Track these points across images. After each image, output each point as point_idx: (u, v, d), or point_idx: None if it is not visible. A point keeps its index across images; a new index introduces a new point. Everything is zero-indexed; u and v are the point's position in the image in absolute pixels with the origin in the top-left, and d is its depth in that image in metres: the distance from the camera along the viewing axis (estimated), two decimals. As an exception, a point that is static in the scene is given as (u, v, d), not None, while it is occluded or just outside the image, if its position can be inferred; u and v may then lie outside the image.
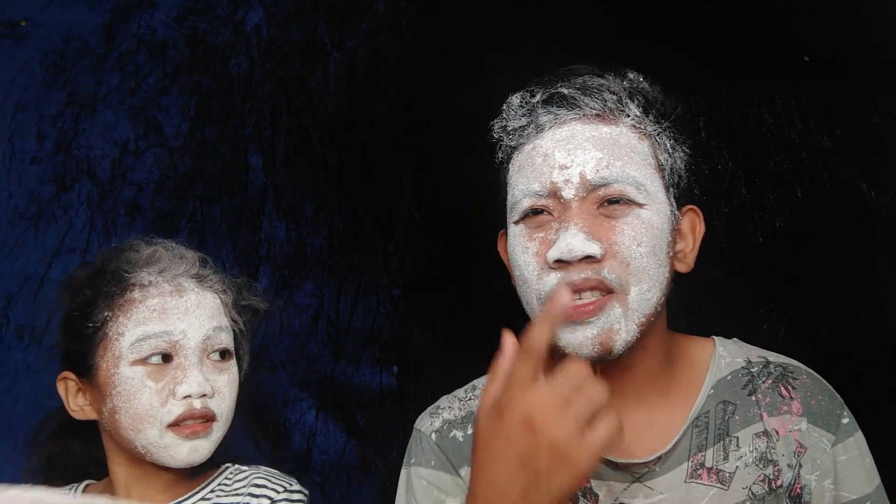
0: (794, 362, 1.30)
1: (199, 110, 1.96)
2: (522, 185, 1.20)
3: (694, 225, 1.27)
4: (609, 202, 1.15)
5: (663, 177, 1.21)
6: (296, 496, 1.38)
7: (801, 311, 1.79)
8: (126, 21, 1.94)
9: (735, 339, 1.34)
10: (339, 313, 1.93)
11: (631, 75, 1.25)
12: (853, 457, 1.22)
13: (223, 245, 1.93)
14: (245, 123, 1.98)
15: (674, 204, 1.21)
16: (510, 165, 1.26)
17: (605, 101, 1.19)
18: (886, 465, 1.25)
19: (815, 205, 1.80)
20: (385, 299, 1.95)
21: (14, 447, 1.73)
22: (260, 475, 1.38)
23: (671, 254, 1.19)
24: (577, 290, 1.13)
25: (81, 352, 1.31)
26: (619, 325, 1.13)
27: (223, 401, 1.32)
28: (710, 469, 1.19)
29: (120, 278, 1.32)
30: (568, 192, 1.15)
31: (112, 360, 1.28)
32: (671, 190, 1.21)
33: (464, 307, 1.93)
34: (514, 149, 1.25)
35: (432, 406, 1.37)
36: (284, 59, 2.01)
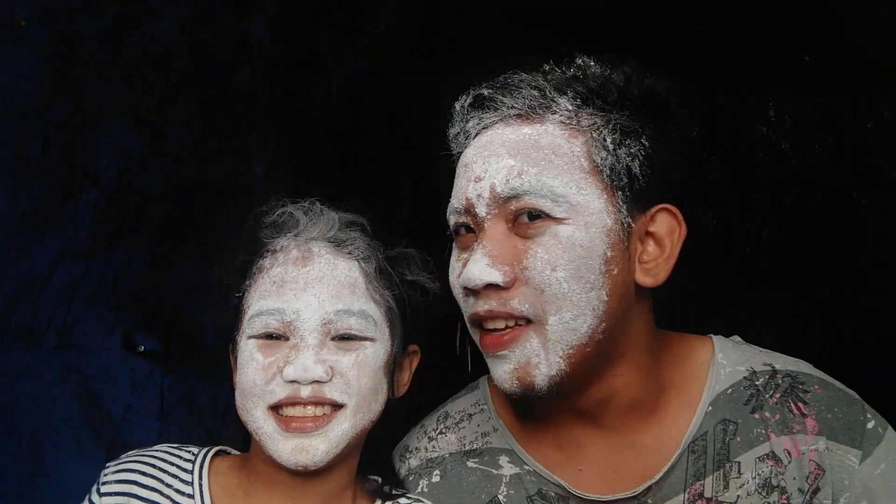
0: (804, 368, 1.14)
1: (204, 120, 1.99)
2: (450, 202, 1.12)
3: (671, 228, 1.06)
4: (527, 217, 1.02)
5: (601, 179, 1.03)
6: None
7: (791, 319, 1.76)
8: (131, 30, 1.97)
9: (735, 337, 1.20)
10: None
11: (579, 61, 1.11)
12: (888, 467, 1.06)
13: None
14: (249, 134, 2.01)
15: (623, 210, 1.04)
16: None
17: (526, 98, 1.06)
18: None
19: (806, 212, 1.79)
20: (384, 307, 1.96)
21: (17, 447, 1.74)
22: None
23: (615, 271, 1.02)
24: (483, 319, 1.04)
25: (230, 324, 1.20)
26: (538, 358, 1.01)
27: (348, 385, 1.10)
28: (709, 500, 1.06)
29: (259, 244, 1.19)
30: (481, 209, 1.05)
31: (241, 333, 1.16)
32: (618, 193, 1.04)
33: (462, 314, 1.94)
34: (457, 158, 1.16)
35: (403, 443, 1.27)
36: (287, 72, 2.04)
